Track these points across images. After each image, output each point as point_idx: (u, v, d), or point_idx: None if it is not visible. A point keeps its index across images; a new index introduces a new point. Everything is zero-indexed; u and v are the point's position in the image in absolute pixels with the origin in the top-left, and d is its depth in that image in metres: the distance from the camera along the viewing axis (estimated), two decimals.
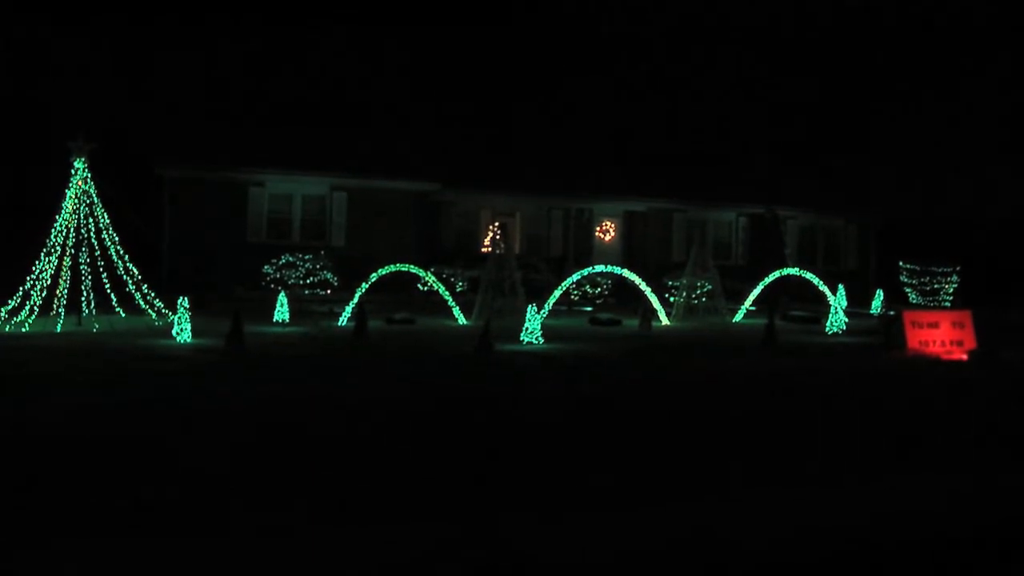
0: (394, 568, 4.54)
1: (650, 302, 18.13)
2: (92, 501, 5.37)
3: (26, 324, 13.88)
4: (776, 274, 20.07)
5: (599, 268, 19.33)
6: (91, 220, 14.85)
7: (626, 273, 18.69)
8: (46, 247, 14.55)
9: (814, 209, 30.36)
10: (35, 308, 14.21)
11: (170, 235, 23.97)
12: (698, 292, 20.11)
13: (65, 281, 14.51)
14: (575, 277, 18.74)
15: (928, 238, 29.81)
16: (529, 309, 14.39)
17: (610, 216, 29.67)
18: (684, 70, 32.54)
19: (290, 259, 22.02)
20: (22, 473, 5.98)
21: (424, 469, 6.45)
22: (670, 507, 5.72)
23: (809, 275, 20.21)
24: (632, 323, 17.16)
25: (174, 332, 13.18)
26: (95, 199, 14.93)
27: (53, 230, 14.63)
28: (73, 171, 14.84)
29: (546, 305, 16.96)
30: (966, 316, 14.37)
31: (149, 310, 15.35)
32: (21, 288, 14.43)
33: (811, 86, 33.33)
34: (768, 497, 6.00)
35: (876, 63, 32.97)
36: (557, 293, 17.74)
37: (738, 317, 19.58)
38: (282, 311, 16.28)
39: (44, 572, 4.35)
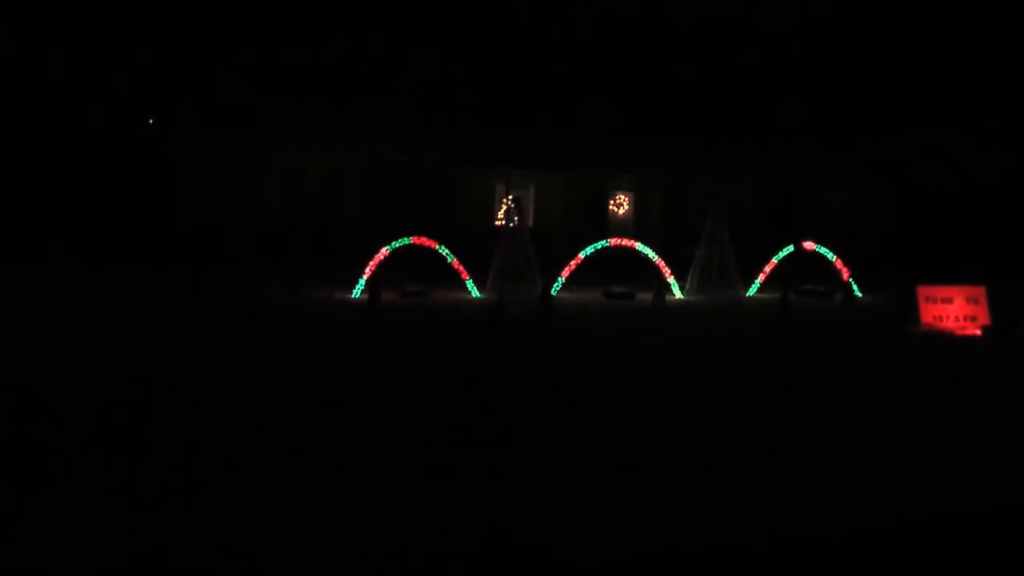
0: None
1: (663, 276, 18.12)
2: None
3: None
4: (789, 248, 19.91)
5: (612, 241, 19.27)
6: None
7: (639, 246, 18.65)
8: None
9: (833, 182, 30.18)
10: None
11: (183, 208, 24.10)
12: (712, 266, 20.01)
13: None
14: (588, 251, 18.69)
15: (949, 212, 29.52)
16: (542, 282, 14.44)
17: (623, 189, 29.62)
18: (700, 52, 32.03)
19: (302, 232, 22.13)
20: None
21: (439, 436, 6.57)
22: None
23: (824, 250, 20.08)
24: (646, 296, 17.18)
25: None
26: None
27: None
28: None
29: (560, 278, 17.00)
30: (980, 292, 14.27)
31: None
32: None
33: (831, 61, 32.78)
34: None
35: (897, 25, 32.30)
36: (571, 266, 17.74)
37: (752, 291, 19.52)
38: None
39: None
